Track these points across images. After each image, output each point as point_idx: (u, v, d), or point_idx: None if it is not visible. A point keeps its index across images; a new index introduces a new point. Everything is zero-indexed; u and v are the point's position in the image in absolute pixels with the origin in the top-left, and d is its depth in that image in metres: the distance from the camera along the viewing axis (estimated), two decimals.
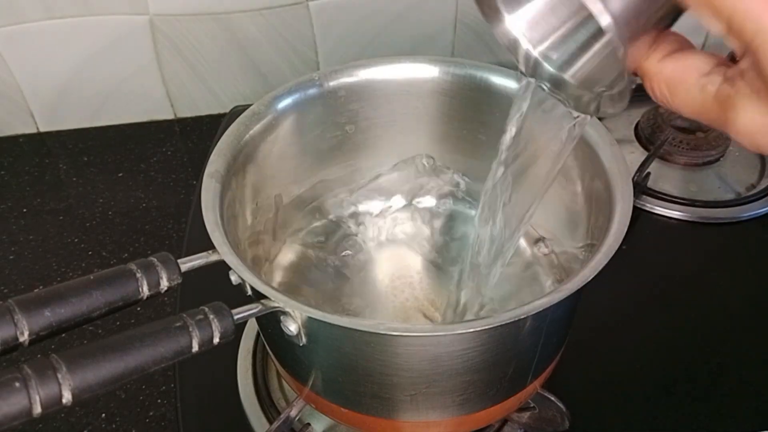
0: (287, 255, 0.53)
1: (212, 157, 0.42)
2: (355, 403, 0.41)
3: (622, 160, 0.42)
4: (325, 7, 0.76)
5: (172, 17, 0.74)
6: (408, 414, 0.40)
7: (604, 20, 0.25)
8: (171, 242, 0.68)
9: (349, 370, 0.39)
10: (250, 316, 0.34)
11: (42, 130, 0.81)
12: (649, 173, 0.66)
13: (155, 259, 0.35)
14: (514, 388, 0.42)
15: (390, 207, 0.56)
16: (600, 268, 0.35)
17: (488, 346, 0.36)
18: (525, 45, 0.26)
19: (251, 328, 0.54)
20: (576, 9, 0.27)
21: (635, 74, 0.28)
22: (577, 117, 0.33)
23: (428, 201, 0.56)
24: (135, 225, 0.70)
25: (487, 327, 0.34)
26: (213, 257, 0.36)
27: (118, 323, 0.58)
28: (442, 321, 0.49)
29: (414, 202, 0.56)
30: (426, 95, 0.50)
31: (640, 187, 0.64)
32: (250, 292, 0.37)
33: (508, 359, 0.39)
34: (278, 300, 0.34)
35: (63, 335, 0.32)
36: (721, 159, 0.69)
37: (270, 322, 0.38)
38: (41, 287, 0.53)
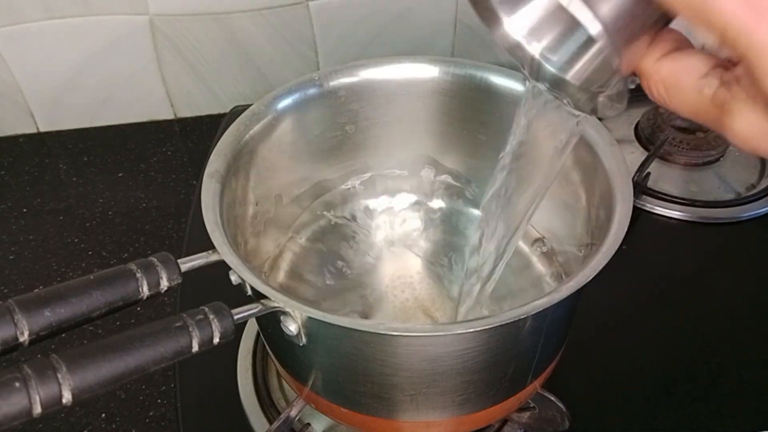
0: (287, 255, 0.53)
1: (212, 157, 0.42)
2: (355, 403, 0.41)
3: (622, 160, 0.42)
4: (325, 7, 0.76)
5: (172, 17, 0.74)
6: (408, 414, 0.40)
7: (594, 29, 0.25)
8: (171, 242, 0.68)
9: (349, 370, 0.39)
10: (250, 316, 0.34)
11: (42, 130, 0.81)
12: (649, 173, 0.66)
13: (155, 259, 0.35)
14: (514, 388, 0.42)
15: (390, 207, 0.56)
16: (600, 268, 0.35)
17: (488, 346, 0.36)
18: (525, 48, 0.26)
19: (251, 328, 0.54)
20: (570, 15, 0.27)
21: (634, 74, 0.28)
22: (579, 115, 0.33)
23: (428, 201, 0.56)
24: (135, 225, 0.70)
25: (487, 327, 0.34)
26: (213, 257, 0.36)
27: (118, 323, 0.58)
28: (442, 321, 0.49)
29: (414, 202, 0.56)
30: (426, 95, 0.50)
31: (640, 187, 0.64)
32: (250, 292, 0.37)
33: (508, 359, 0.39)
34: (278, 300, 0.34)
35: (63, 335, 0.32)
36: (721, 159, 0.69)
37: (270, 322, 0.38)
38: (41, 287, 0.53)
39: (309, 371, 0.41)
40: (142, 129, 0.82)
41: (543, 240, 0.52)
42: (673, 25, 0.27)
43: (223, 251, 0.36)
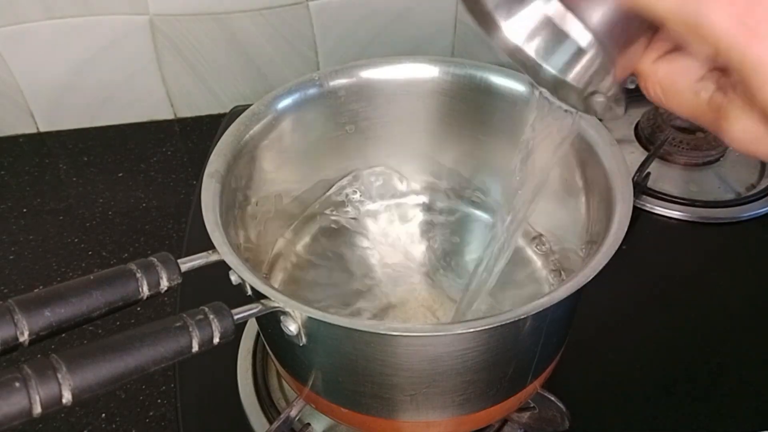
0: (287, 255, 0.53)
1: (212, 157, 0.42)
2: (355, 403, 0.41)
3: (622, 160, 0.42)
4: (325, 7, 0.76)
5: (172, 17, 0.74)
6: (408, 414, 0.40)
7: (584, 40, 0.25)
8: (171, 242, 0.68)
9: (349, 370, 0.39)
10: (250, 316, 0.34)
11: (42, 130, 0.81)
12: (649, 173, 0.66)
13: (155, 259, 0.35)
14: (514, 388, 0.42)
15: (390, 207, 0.56)
16: (600, 268, 0.35)
17: (488, 346, 0.36)
18: (524, 51, 0.26)
19: (251, 328, 0.54)
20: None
21: (633, 74, 0.28)
22: (575, 113, 0.33)
23: (428, 201, 0.56)
24: (135, 225, 0.70)
25: (487, 327, 0.34)
26: (213, 257, 0.36)
27: (118, 323, 0.58)
28: (443, 321, 0.49)
29: (414, 202, 0.56)
30: (426, 95, 0.50)
31: (640, 187, 0.64)
32: (250, 292, 0.37)
33: (508, 359, 0.39)
34: (278, 300, 0.34)
35: (63, 335, 0.32)
36: (721, 159, 0.69)
37: (270, 322, 0.38)
38: (41, 287, 0.53)
39: (309, 371, 0.41)
40: (142, 129, 0.82)
41: (543, 240, 0.52)
42: None
43: (223, 251, 0.36)
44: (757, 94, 0.22)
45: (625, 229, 0.37)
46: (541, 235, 0.52)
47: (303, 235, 0.54)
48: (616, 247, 0.36)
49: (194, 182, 0.74)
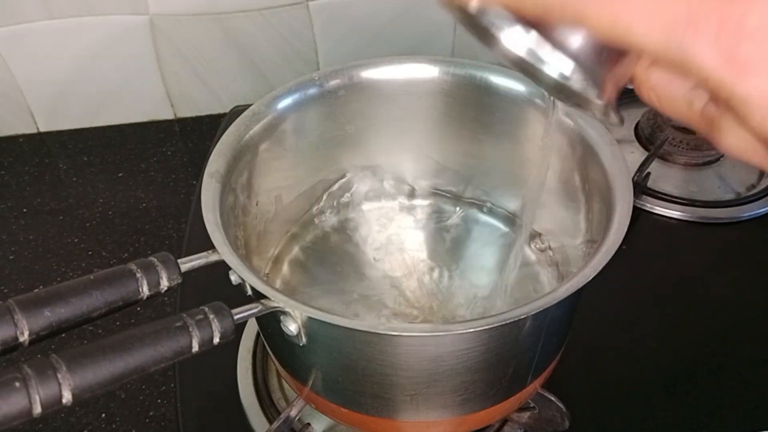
0: (287, 255, 0.53)
1: (212, 157, 0.42)
2: (355, 403, 0.41)
3: (622, 160, 0.42)
4: (325, 7, 0.76)
5: (172, 17, 0.74)
6: (408, 414, 0.40)
7: (567, 69, 0.25)
8: (171, 242, 0.68)
9: (349, 370, 0.39)
10: (250, 316, 0.34)
11: (42, 130, 0.81)
12: (649, 173, 0.66)
13: (155, 259, 0.35)
14: (514, 388, 0.42)
15: (390, 207, 0.56)
16: (600, 267, 0.35)
17: (488, 346, 0.36)
18: (525, 59, 0.26)
19: (251, 328, 0.54)
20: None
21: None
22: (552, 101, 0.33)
23: (429, 201, 0.56)
24: (135, 225, 0.70)
25: (487, 327, 0.34)
26: (213, 257, 0.36)
27: (118, 323, 0.58)
28: (443, 321, 0.49)
29: (415, 203, 0.56)
30: (426, 95, 0.50)
31: (640, 187, 0.64)
32: (250, 292, 0.37)
33: (508, 359, 0.39)
34: (278, 300, 0.34)
35: (63, 335, 0.32)
36: (721, 159, 0.69)
37: (270, 322, 0.38)
38: (41, 287, 0.53)
39: (309, 371, 0.41)
40: (142, 129, 0.82)
41: (543, 239, 0.52)
42: None
43: (223, 251, 0.36)
44: (748, 121, 0.22)
45: (625, 229, 0.37)
46: (540, 234, 0.52)
47: (303, 236, 0.54)
48: (616, 247, 0.36)
49: (194, 182, 0.74)
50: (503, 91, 0.48)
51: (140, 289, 0.34)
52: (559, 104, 0.40)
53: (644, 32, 0.21)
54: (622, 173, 0.41)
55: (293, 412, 0.46)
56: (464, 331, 0.35)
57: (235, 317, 0.33)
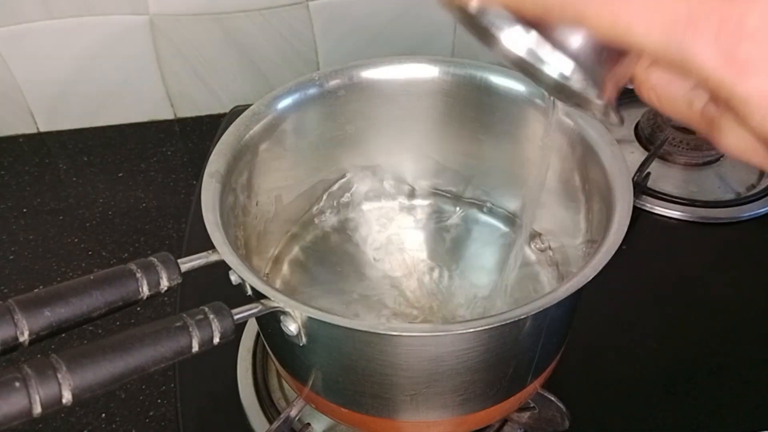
0: (287, 255, 0.53)
1: (212, 157, 0.42)
2: (355, 403, 0.41)
3: (622, 160, 0.42)
4: (325, 7, 0.76)
5: (172, 17, 0.74)
6: (408, 414, 0.40)
7: (567, 69, 0.25)
8: (171, 242, 0.68)
9: (349, 370, 0.39)
10: (250, 316, 0.34)
11: (42, 130, 0.81)
12: (649, 173, 0.66)
13: (155, 259, 0.35)
14: (514, 388, 0.42)
15: (390, 207, 0.56)
16: (600, 267, 0.35)
17: (488, 346, 0.36)
18: (525, 59, 0.26)
19: (251, 328, 0.54)
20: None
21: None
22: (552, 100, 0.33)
23: (429, 201, 0.56)
24: (135, 225, 0.70)
25: (487, 327, 0.34)
26: (213, 257, 0.36)
27: (118, 323, 0.58)
28: (443, 321, 0.49)
29: (415, 203, 0.56)
30: (426, 95, 0.50)
31: (640, 187, 0.64)
32: (250, 292, 0.37)
33: (508, 359, 0.39)
34: (278, 300, 0.34)
35: (63, 335, 0.32)
36: (721, 159, 0.69)
37: (270, 322, 0.38)
38: (41, 287, 0.53)
39: (309, 371, 0.41)
40: (142, 129, 0.82)
41: (543, 239, 0.52)
42: None
43: (223, 251, 0.36)
44: (748, 122, 0.22)
45: (625, 229, 0.37)
46: (540, 234, 0.52)
47: (303, 236, 0.54)
48: (616, 247, 0.36)
49: (194, 182, 0.74)
50: (503, 91, 0.48)
51: (140, 289, 0.34)
52: (559, 104, 0.40)
53: (644, 32, 0.21)
54: (622, 173, 0.41)
55: (293, 412, 0.46)
56: (464, 331, 0.35)
57: (235, 317, 0.33)
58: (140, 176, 0.75)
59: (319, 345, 0.38)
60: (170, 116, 0.83)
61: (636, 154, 0.69)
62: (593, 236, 0.43)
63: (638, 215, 0.64)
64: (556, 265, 0.51)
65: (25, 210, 0.72)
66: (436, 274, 0.52)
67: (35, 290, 0.32)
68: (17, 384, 0.27)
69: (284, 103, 0.47)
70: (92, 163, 0.77)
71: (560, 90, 0.29)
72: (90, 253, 0.67)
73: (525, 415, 0.48)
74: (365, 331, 0.35)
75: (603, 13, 0.22)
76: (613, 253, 0.36)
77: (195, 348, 0.32)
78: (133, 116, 0.82)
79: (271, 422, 0.48)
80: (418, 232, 0.55)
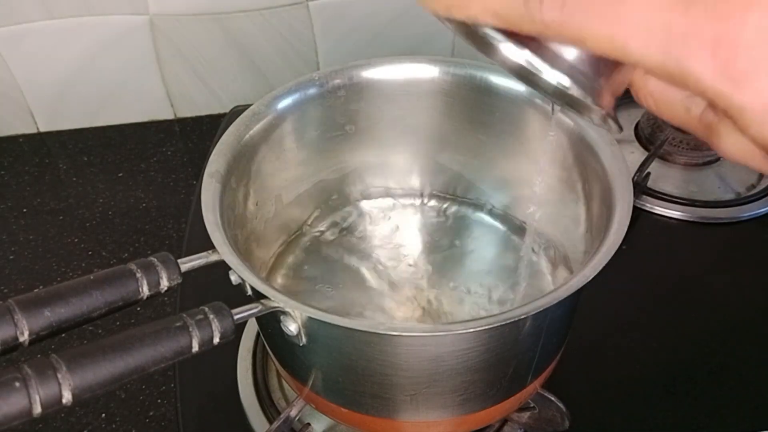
0: (287, 255, 0.53)
1: (212, 157, 0.42)
2: (355, 403, 0.41)
3: (622, 160, 0.42)
4: (325, 7, 0.76)
5: (172, 17, 0.74)
6: (408, 414, 0.40)
7: (564, 80, 0.25)
8: (171, 242, 0.68)
9: (349, 370, 0.39)
10: (250, 316, 0.34)
11: (42, 130, 0.81)
12: (649, 173, 0.66)
13: (155, 259, 0.35)
14: (514, 388, 0.42)
15: (390, 207, 0.56)
16: (600, 267, 0.35)
17: (488, 346, 0.36)
18: (526, 67, 0.26)
19: (251, 328, 0.54)
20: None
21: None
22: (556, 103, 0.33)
23: (428, 201, 0.56)
24: (135, 225, 0.70)
25: (487, 327, 0.34)
26: (213, 257, 0.36)
27: (118, 323, 0.58)
28: (443, 321, 0.49)
29: (414, 203, 0.56)
30: (426, 95, 0.50)
31: (640, 187, 0.64)
32: (250, 292, 0.37)
33: (508, 359, 0.39)
34: (278, 300, 0.34)
35: (63, 335, 0.32)
36: (721, 159, 0.69)
37: (270, 322, 0.38)
38: (41, 287, 0.53)
39: (309, 371, 0.41)
40: (142, 129, 0.82)
41: (543, 239, 0.52)
42: None
43: (223, 251, 0.36)
44: (746, 131, 0.22)
45: (625, 229, 0.37)
46: (541, 234, 0.52)
47: (303, 235, 0.54)
48: (616, 247, 0.36)
49: (194, 182, 0.74)
50: (503, 91, 0.48)
51: (140, 289, 0.34)
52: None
53: (641, 49, 0.22)
54: (622, 173, 0.41)
55: (293, 412, 0.46)
56: (464, 331, 0.35)
57: (235, 317, 0.33)
58: (140, 176, 0.76)
59: (319, 345, 0.38)
60: (170, 116, 0.83)
61: (636, 154, 0.69)
62: (593, 236, 0.43)
63: (638, 215, 0.64)
64: (555, 265, 0.51)
65: (25, 210, 0.72)
66: (435, 273, 0.52)
67: (35, 290, 0.32)
68: (17, 384, 0.27)
69: (284, 103, 0.47)
70: (92, 163, 0.77)
71: (560, 96, 0.29)
72: (90, 253, 0.67)
73: (525, 415, 0.48)
74: (365, 331, 0.35)
75: (600, 32, 0.22)
76: (613, 253, 0.36)
77: (195, 348, 0.32)
78: (133, 116, 0.82)
79: (271, 422, 0.48)
80: (418, 232, 0.55)
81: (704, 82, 0.21)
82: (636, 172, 0.64)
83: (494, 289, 0.50)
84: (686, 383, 0.52)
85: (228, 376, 0.51)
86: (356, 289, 0.51)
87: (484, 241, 0.54)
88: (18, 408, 0.27)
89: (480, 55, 0.29)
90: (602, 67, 0.26)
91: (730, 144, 0.24)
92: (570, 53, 0.25)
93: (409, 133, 0.52)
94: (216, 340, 0.32)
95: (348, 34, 0.79)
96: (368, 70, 0.49)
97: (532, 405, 0.48)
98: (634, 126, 0.73)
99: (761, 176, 0.68)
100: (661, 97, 0.27)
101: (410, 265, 0.53)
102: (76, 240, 0.68)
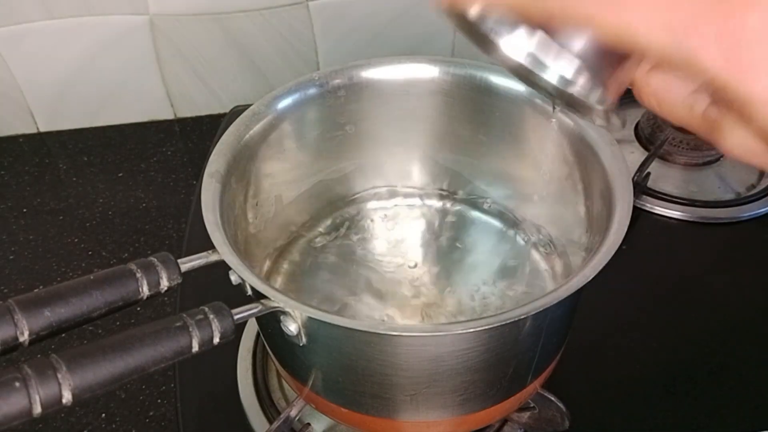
0: (287, 255, 0.53)
1: (212, 157, 0.42)
2: (355, 403, 0.41)
3: (622, 160, 0.42)
4: (325, 7, 0.76)
5: (172, 17, 0.74)
6: (408, 414, 0.40)
7: (569, 72, 0.25)
8: (171, 242, 0.68)
9: (349, 370, 0.39)
10: (250, 316, 0.34)
11: (42, 130, 0.81)
12: (649, 173, 0.66)
13: (155, 259, 0.35)
14: (514, 388, 0.42)
15: (390, 207, 0.56)
16: (600, 267, 0.35)
17: (488, 346, 0.36)
18: (525, 65, 0.26)
19: (251, 328, 0.54)
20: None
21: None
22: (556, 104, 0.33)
23: (428, 201, 0.56)
24: (135, 225, 0.70)
25: (487, 327, 0.34)
26: (213, 257, 0.36)
27: (118, 323, 0.58)
28: (443, 321, 0.49)
29: (414, 203, 0.56)
30: (426, 95, 0.50)
31: (640, 187, 0.64)
32: (250, 292, 0.37)
33: (508, 359, 0.39)
34: (278, 300, 0.34)
35: (63, 335, 0.32)
36: (721, 159, 0.69)
37: (270, 322, 0.38)
38: (41, 287, 0.53)
39: (309, 371, 0.41)
40: (142, 129, 0.82)
41: (543, 240, 0.52)
42: None
43: (223, 251, 0.36)
44: (752, 121, 0.22)
45: (625, 229, 0.37)
46: (541, 234, 0.52)
47: (303, 236, 0.54)
48: (616, 247, 0.36)
49: (194, 182, 0.74)
50: (503, 91, 0.48)
51: (140, 289, 0.34)
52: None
53: (648, 34, 0.22)
54: (622, 173, 0.41)
55: (293, 412, 0.46)
56: (464, 331, 0.35)
57: (235, 317, 0.33)
58: (140, 176, 0.76)
59: (319, 345, 0.38)
60: (170, 116, 0.83)
61: (636, 154, 0.69)
62: (593, 236, 0.43)
63: (638, 215, 0.64)
64: (556, 266, 0.51)
65: (25, 210, 0.72)
66: (436, 273, 0.52)
67: (35, 290, 0.32)
68: (17, 384, 0.27)
69: (284, 103, 0.47)
70: (92, 163, 0.77)
71: (560, 96, 0.29)
72: (90, 253, 0.67)
73: (525, 415, 0.48)
74: (365, 331, 0.35)
75: (608, 16, 0.22)
76: (613, 253, 0.36)
77: (195, 348, 0.32)
78: (133, 116, 0.82)
79: (271, 422, 0.48)
80: (418, 232, 0.55)
81: (710, 69, 0.21)
82: (636, 172, 0.64)
83: (495, 288, 0.50)
84: (686, 383, 0.52)
85: (228, 376, 0.51)
86: (357, 288, 0.51)
87: (484, 241, 0.54)
88: (18, 408, 0.27)
89: (480, 54, 0.29)
90: (605, 64, 0.26)
91: (734, 140, 0.24)
92: (572, 50, 0.25)
93: (409, 133, 0.52)
94: (216, 340, 0.32)
95: (348, 34, 0.79)
96: (368, 70, 0.49)
97: (532, 405, 0.48)
98: (634, 126, 0.73)
99: (761, 176, 0.68)
100: (663, 96, 0.27)
101: (410, 266, 0.53)
102: (76, 240, 0.68)
